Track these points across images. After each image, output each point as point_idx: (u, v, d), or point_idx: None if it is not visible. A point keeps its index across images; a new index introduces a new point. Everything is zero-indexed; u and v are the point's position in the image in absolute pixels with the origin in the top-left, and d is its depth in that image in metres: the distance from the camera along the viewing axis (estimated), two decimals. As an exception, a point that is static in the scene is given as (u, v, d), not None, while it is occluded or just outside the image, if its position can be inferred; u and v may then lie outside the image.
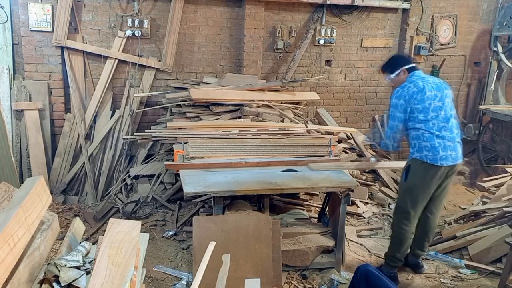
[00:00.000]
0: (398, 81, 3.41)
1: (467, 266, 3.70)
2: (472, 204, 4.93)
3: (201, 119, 4.72)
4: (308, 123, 5.03)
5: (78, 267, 1.95)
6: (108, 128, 4.92)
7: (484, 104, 6.49)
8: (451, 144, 3.22)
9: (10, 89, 4.55)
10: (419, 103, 3.20)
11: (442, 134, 3.19)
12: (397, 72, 3.39)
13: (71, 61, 4.81)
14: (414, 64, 3.42)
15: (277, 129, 4.55)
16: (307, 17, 5.68)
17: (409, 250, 3.59)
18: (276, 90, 5.39)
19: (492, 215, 4.06)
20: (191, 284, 1.87)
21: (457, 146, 3.27)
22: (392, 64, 3.47)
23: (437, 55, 6.36)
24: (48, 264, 1.92)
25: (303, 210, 4.27)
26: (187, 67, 5.33)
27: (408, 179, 3.31)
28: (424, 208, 3.40)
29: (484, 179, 5.07)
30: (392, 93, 3.40)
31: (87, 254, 2.12)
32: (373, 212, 4.66)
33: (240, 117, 4.78)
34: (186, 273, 3.45)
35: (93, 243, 2.31)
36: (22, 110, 4.58)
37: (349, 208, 4.50)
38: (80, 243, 2.26)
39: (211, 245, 2.14)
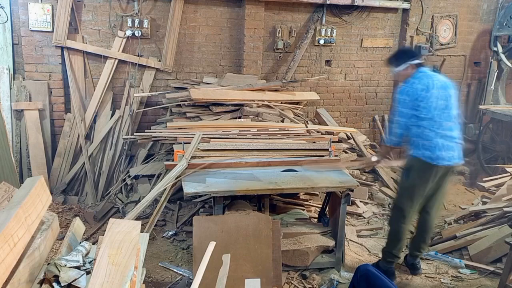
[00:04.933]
0: (403, 75, 3.35)
1: (467, 266, 3.70)
2: (472, 204, 4.93)
3: (201, 119, 4.72)
4: (308, 123, 5.03)
5: (78, 267, 1.95)
6: (108, 128, 4.93)
7: (484, 104, 6.49)
8: (450, 144, 3.20)
9: (10, 89, 4.55)
10: (423, 100, 3.16)
11: (443, 133, 3.17)
12: (403, 67, 3.33)
13: (71, 61, 4.81)
14: (421, 60, 3.37)
15: (277, 129, 4.55)
16: (307, 17, 5.68)
17: (407, 250, 3.59)
18: (276, 90, 5.39)
19: (492, 215, 4.06)
20: (191, 283, 1.86)
21: (456, 146, 3.24)
22: (398, 58, 3.41)
23: (437, 55, 6.36)
24: (48, 264, 1.92)
25: (303, 210, 4.27)
26: (187, 67, 5.33)
27: (408, 177, 3.30)
28: (421, 207, 3.40)
29: (484, 179, 5.08)
30: (397, 88, 3.35)
31: (87, 254, 2.12)
32: (373, 212, 4.66)
33: (240, 117, 4.78)
34: (189, 271, 3.44)
35: (93, 243, 2.30)
36: (22, 110, 4.59)
37: (349, 208, 4.50)
38: (80, 243, 2.25)
39: (211, 245, 2.13)
